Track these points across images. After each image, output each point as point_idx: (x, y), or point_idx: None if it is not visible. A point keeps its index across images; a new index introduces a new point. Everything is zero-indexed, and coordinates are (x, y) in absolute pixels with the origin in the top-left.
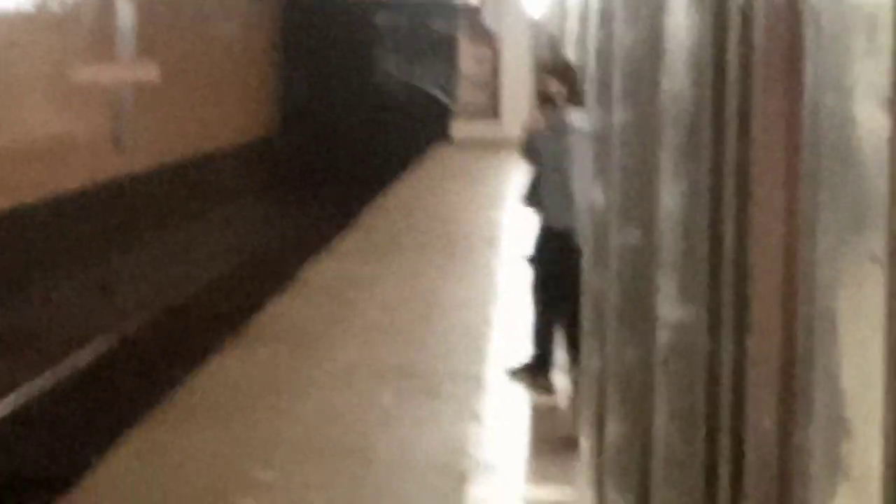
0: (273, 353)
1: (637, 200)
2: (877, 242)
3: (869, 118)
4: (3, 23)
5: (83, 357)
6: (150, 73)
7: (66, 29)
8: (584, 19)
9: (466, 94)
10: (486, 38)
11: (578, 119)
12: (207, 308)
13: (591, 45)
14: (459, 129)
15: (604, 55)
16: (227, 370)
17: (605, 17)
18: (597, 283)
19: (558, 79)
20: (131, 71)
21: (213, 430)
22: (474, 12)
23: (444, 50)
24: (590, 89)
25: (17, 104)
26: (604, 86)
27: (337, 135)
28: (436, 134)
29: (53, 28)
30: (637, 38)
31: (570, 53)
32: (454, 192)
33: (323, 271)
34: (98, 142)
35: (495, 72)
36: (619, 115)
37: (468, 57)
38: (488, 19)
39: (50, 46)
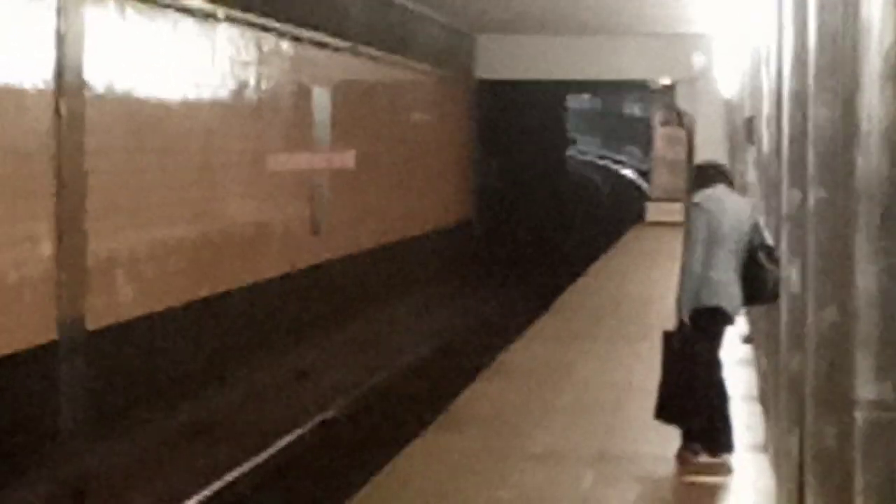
0: (473, 436)
1: (833, 280)
2: None
3: None
4: (203, 112)
5: (284, 444)
6: (346, 160)
7: (264, 117)
8: (777, 100)
9: (661, 175)
10: (679, 119)
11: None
12: (407, 392)
13: (785, 126)
14: (654, 210)
15: (798, 135)
16: (428, 454)
17: (799, 98)
18: (794, 364)
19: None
20: (328, 158)
21: None
22: (668, 94)
23: (639, 132)
24: (784, 170)
25: (219, 192)
26: (798, 166)
27: (531, 218)
28: (630, 216)
29: (252, 117)
30: (831, 117)
31: (764, 134)
32: (648, 276)
33: (521, 355)
34: (297, 229)
35: (690, 153)
36: (814, 195)
37: (662, 138)
38: (682, 101)
39: (249, 135)
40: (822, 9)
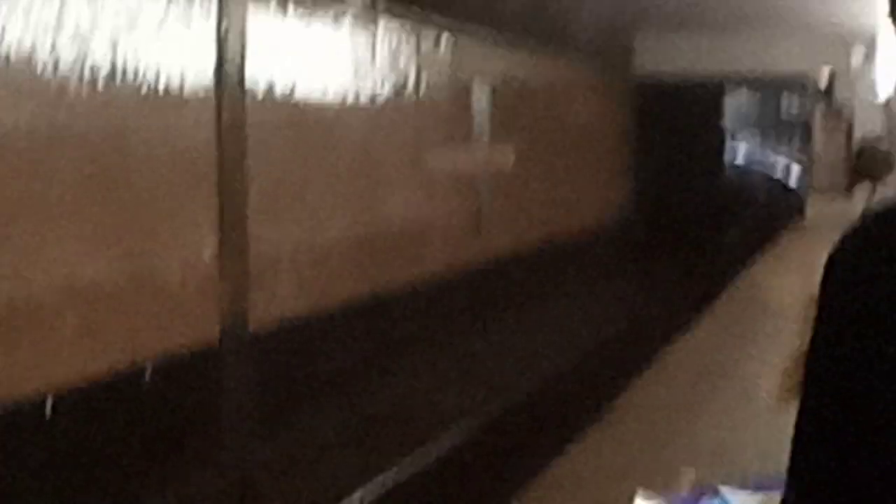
0: (633, 436)
1: None
2: None
3: None
4: (364, 110)
5: (445, 443)
6: (506, 157)
7: (424, 114)
8: None
9: (819, 172)
10: (839, 116)
11: None
12: (568, 392)
13: None
14: (813, 206)
15: None
16: (587, 454)
17: None
18: None
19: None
20: (488, 155)
21: None
22: (827, 90)
23: (797, 129)
24: None
25: (381, 191)
26: None
27: (689, 217)
28: (789, 213)
29: (413, 114)
30: None
31: None
32: (808, 275)
33: (681, 355)
34: (456, 227)
35: (849, 150)
36: None
37: (821, 135)
38: (841, 97)
39: (410, 132)
40: None
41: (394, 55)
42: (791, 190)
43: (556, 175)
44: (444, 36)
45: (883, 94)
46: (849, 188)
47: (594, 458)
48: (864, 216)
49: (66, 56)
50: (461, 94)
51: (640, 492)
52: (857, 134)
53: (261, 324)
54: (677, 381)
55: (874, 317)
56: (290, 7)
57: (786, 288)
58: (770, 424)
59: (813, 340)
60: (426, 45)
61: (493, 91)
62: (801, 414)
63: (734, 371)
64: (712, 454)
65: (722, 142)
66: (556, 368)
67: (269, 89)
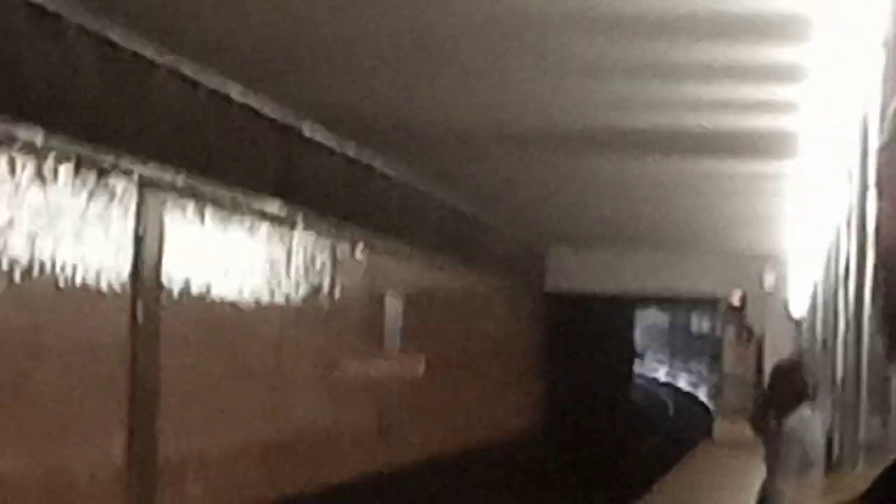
0: None
1: None
2: None
3: None
4: (277, 315)
5: None
6: (416, 367)
7: (336, 321)
8: (857, 323)
9: (728, 392)
10: (749, 337)
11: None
12: None
13: (865, 353)
14: (721, 426)
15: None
16: None
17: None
18: None
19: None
20: (398, 365)
21: None
22: (737, 311)
23: (708, 348)
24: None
25: (292, 395)
26: (878, 391)
27: (598, 433)
28: (698, 433)
29: (325, 320)
30: None
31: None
32: (715, 496)
33: None
34: (364, 435)
35: (759, 371)
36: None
37: (731, 355)
38: (751, 318)
39: (321, 338)
40: None
41: (308, 263)
42: (700, 408)
43: (465, 387)
44: (359, 246)
45: (795, 316)
46: (756, 418)
47: None
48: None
49: None
50: (374, 304)
51: None
52: (768, 356)
53: None
54: None
55: None
56: (208, 211)
57: None
58: None
59: None
60: (341, 254)
61: (406, 301)
62: None
63: None
64: None
65: (632, 359)
66: None
67: (184, 291)
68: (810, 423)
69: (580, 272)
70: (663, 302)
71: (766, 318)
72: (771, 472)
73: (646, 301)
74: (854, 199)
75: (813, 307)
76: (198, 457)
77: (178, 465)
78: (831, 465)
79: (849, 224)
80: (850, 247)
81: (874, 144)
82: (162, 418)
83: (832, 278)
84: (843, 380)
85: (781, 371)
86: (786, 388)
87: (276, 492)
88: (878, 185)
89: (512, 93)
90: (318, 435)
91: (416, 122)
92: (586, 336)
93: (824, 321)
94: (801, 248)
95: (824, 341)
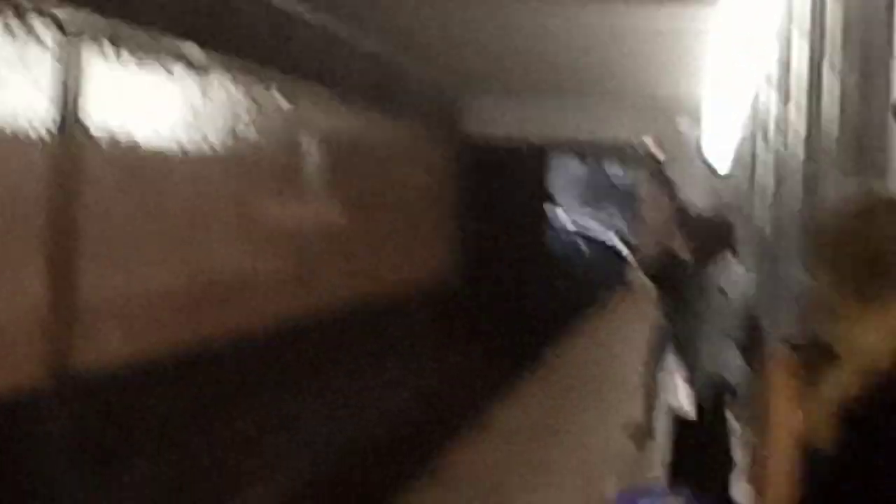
0: (458, 498)
1: None
2: None
3: None
4: (196, 160)
5: (264, 497)
6: (334, 213)
7: (254, 166)
8: (777, 174)
9: (645, 239)
10: (665, 185)
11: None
12: (392, 449)
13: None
14: (637, 276)
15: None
16: None
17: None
18: None
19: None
20: (315, 211)
21: None
22: (654, 159)
23: (624, 196)
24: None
25: (208, 241)
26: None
27: (514, 280)
28: (613, 281)
29: (243, 165)
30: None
31: (760, 210)
32: (633, 342)
33: (510, 413)
34: (282, 280)
35: (676, 220)
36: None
37: (647, 204)
38: (667, 166)
39: (239, 183)
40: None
41: (227, 108)
42: (615, 257)
43: (382, 234)
44: (278, 92)
45: (712, 166)
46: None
47: None
48: None
49: None
50: (292, 149)
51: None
52: (686, 202)
53: (86, 367)
54: (507, 438)
55: None
56: (128, 55)
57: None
58: (598, 480)
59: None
60: (260, 99)
61: (324, 148)
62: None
63: (564, 428)
64: None
65: (547, 207)
66: (380, 425)
67: (103, 134)
68: (742, 281)
69: (496, 119)
70: (580, 149)
71: (682, 167)
72: (682, 321)
73: (562, 148)
74: (778, 54)
75: (733, 160)
76: (117, 300)
77: (96, 308)
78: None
79: (770, 80)
80: (770, 102)
81: None
82: (81, 262)
83: (754, 133)
84: (769, 236)
85: (704, 218)
86: (710, 235)
87: (194, 336)
88: None
89: None
90: (236, 280)
91: None
92: (502, 184)
93: (742, 175)
94: (720, 99)
95: (743, 194)
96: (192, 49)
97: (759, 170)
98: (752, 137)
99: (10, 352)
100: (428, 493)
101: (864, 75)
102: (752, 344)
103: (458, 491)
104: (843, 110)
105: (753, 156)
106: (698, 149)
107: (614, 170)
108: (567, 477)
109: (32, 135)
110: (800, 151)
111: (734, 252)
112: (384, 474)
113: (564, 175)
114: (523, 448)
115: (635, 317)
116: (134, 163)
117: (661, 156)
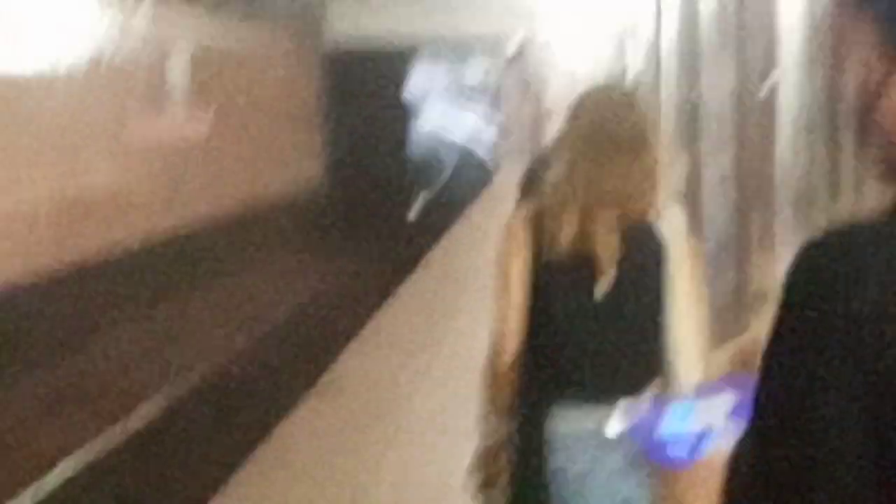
0: (346, 406)
1: None
2: None
3: None
4: (63, 78)
5: (150, 411)
6: (201, 125)
7: (121, 82)
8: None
9: (509, 140)
10: (527, 86)
11: None
12: (269, 363)
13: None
14: (502, 174)
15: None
16: (303, 425)
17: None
18: None
19: None
20: (183, 126)
21: (298, 485)
22: (515, 58)
23: (488, 95)
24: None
25: (79, 159)
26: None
27: (382, 185)
28: (477, 186)
29: (108, 85)
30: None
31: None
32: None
33: (382, 327)
34: (152, 195)
35: (537, 118)
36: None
37: (510, 106)
38: (528, 69)
39: (105, 103)
40: None
41: (94, 23)
42: (478, 161)
43: (249, 144)
44: (144, 4)
45: (570, 62)
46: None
47: (306, 434)
48: (834, 228)
49: None
50: (159, 63)
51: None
52: (548, 107)
53: None
54: (382, 352)
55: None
56: None
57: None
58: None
59: (775, 329)
60: (126, 13)
61: (191, 59)
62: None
63: (441, 336)
64: (423, 427)
65: (408, 111)
66: (256, 339)
67: None
68: None
69: (358, 23)
70: (441, 50)
71: (543, 67)
72: None
73: (422, 50)
74: None
75: (594, 60)
76: None
77: None
78: None
79: None
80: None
81: None
82: None
83: (618, 34)
84: None
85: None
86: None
87: (68, 255)
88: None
89: None
90: (108, 196)
91: None
92: (365, 89)
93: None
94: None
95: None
96: None
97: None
98: (621, 41)
99: None
100: (312, 404)
101: None
102: None
103: (342, 402)
104: None
105: (621, 58)
106: (557, 49)
107: (477, 72)
108: (449, 383)
109: None
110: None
111: None
112: (268, 387)
113: (426, 78)
114: (404, 358)
115: (499, 221)
116: (3, 85)
117: (522, 55)
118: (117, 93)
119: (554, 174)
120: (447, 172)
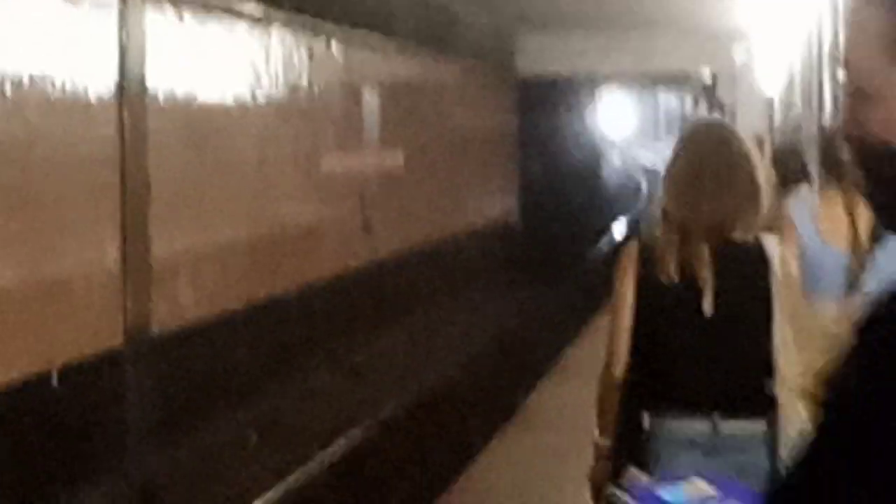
0: (544, 438)
1: None
2: None
3: None
4: (259, 116)
5: (346, 445)
6: (395, 161)
7: (316, 119)
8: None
9: None
10: (719, 112)
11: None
12: (468, 395)
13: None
14: None
15: None
16: (498, 458)
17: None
18: None
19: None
20: (377, 159)
21: None
22: (707, 87)
23: (679, 128)
24: None
25: (276, 194)
26: None
27: (572, 218)
28: None
29: (305, 119)
30: None
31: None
32: None
33: (582, 355)
34: (348, 229)
35: None
36: None
37: None
38: (722, 93)
39: (302, 137)
40: None
41: (286, 61)
42: None
43: (444, 178)
44: (334, 43)
45: (766, 93)
46: None
47: (504, 466)
48: None
49: None
50: (351, 99)
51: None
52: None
53: (163, 327)
54: (578, 383)
55: None
56: (187, 15)
57: None
58: None
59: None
60: (317, 51)
61: (382, 95)
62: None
63: None
64: None
65: (604, 141)
66: (452, 372)
67: (169, 95)
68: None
69: (550, 56)
70: (633, 82)
71: (736, 95)
72: None
73: (615, 81)
74: None
75: (788, 86)
76: (188, 258)
77: (170, 266)
78: None
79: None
80: (822, 29)
81: None
82: (153, 222)
83: (810, 59)
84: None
85: (784, 151)
86: (789, 167)
87: (263, 289)
88: None
89: None
90: (302, 231)
91: None
92: (558, 121)
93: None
94: (772, 27)
95: (798, 120)
96: (250, 5)
97: (815, 97)
98: (810, 66)
99: (90, 316)
100: (509, 436)
101: None
102: None
103: (539, 434)
104: None
105: (808, 86)
106: (751, 77)
107: (668, 101)
108: None
109: (100, 99)
110: None
111: (809, 180)
112: (464, 419)
113: (619, 109)
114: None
115: None
116: (199, 122)
117: (714, 85)
118: (312, 129)
119: (659, 205)
120: (644, 201)
